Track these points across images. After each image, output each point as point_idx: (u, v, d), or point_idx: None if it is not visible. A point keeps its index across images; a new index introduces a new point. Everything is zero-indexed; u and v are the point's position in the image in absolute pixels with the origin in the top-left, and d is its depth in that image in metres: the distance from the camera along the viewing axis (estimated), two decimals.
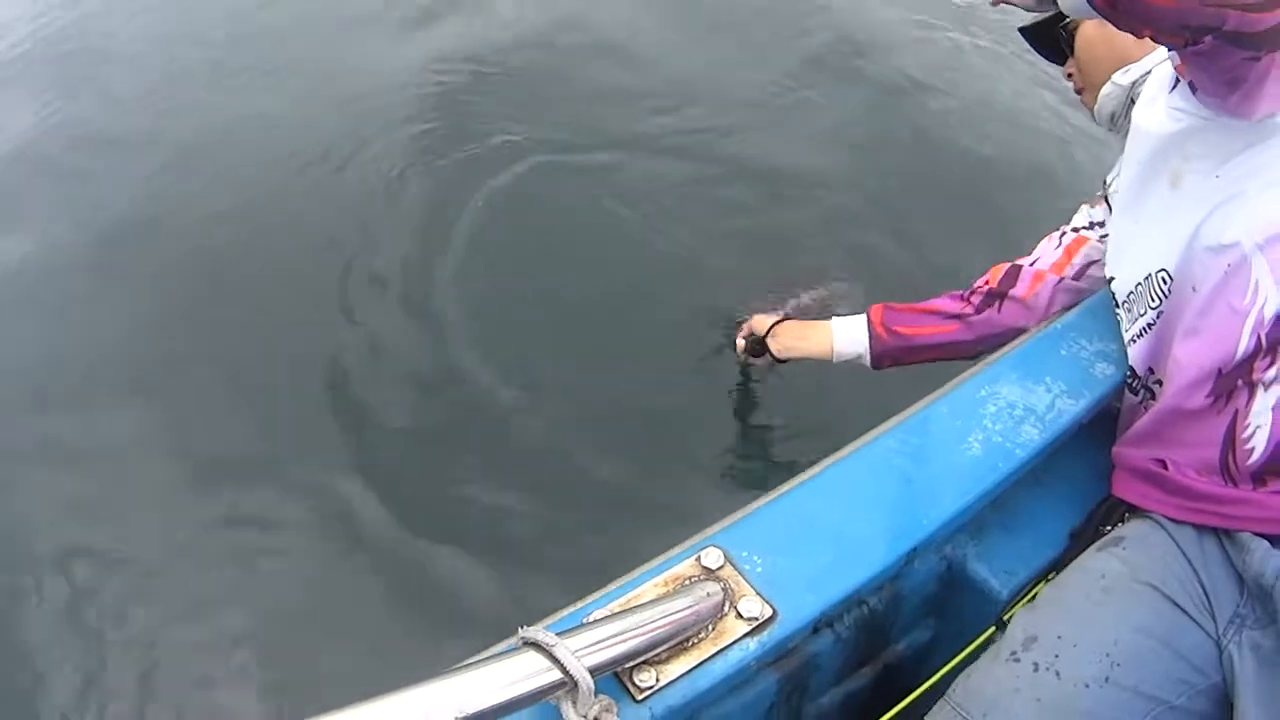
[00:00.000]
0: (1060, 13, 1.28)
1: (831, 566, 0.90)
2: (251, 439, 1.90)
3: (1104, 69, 1.29)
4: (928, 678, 1.03)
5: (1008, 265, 1.42)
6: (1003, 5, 1.00)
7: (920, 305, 1.49)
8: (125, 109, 2.96)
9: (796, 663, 0.96)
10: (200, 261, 2.33)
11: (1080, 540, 1.06)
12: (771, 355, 1.59)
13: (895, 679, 1.09)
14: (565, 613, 0.87)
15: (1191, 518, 0.98)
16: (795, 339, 1.57)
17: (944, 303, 1.47)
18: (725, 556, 0.89)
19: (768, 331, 1.59)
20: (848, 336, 1.50)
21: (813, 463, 0.97)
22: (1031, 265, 1.40)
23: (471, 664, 0.75)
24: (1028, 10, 1.18)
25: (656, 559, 0.90)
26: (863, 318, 1.51)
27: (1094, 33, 1.31)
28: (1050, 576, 1.06)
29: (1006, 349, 1.10)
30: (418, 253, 2.31)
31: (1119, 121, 1.28)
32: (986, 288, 1.41)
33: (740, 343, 1.70)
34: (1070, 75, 1.41)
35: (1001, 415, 1.02)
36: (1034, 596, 1.05)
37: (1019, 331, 1.34)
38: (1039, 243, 1.43)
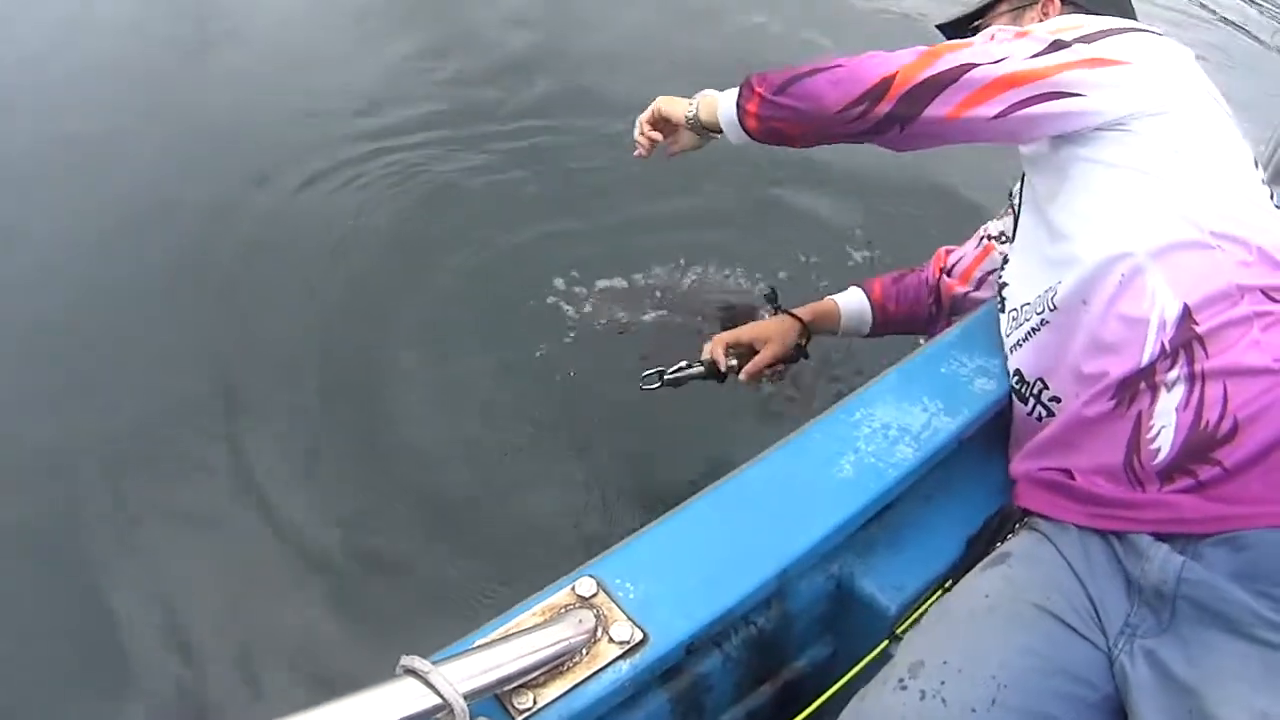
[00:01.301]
0: (973, 12, 1.35)
1: (703, 589, 0.95)
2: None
3: None
4: (825, 690, 1.07)
5: (937, 272, 1.55)
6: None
7: (904, 283, 1.59)
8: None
9: (685, 683, 1.02)
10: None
11: (976, 548, 1.09)
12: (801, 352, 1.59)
13: (798, 695, 1.13)
14: (451, 645, 0.94)
15: (1098, 524, 0.99)
16: (819, 331, 1.61)
17: (916, 289, 1.58)
18: (599, 585, 0.95)
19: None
20: (855, 316, 1.60)
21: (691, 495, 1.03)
22: (952, 275, 1.52)
23: (351, 693, 0.82)
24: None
25: (535, 594, 0.97)
26: (861, 295, 1.60)
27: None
28: (946, 586, 1.09)
29: (883, 373, 1.14)
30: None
31: None
32: (931, 290, 1.53)
33: (727, 359, 1.61)
34: None
35: (875, 436, 1.06)
36: (925, 611, 1.08)
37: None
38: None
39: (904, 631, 1.07)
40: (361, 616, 1.60)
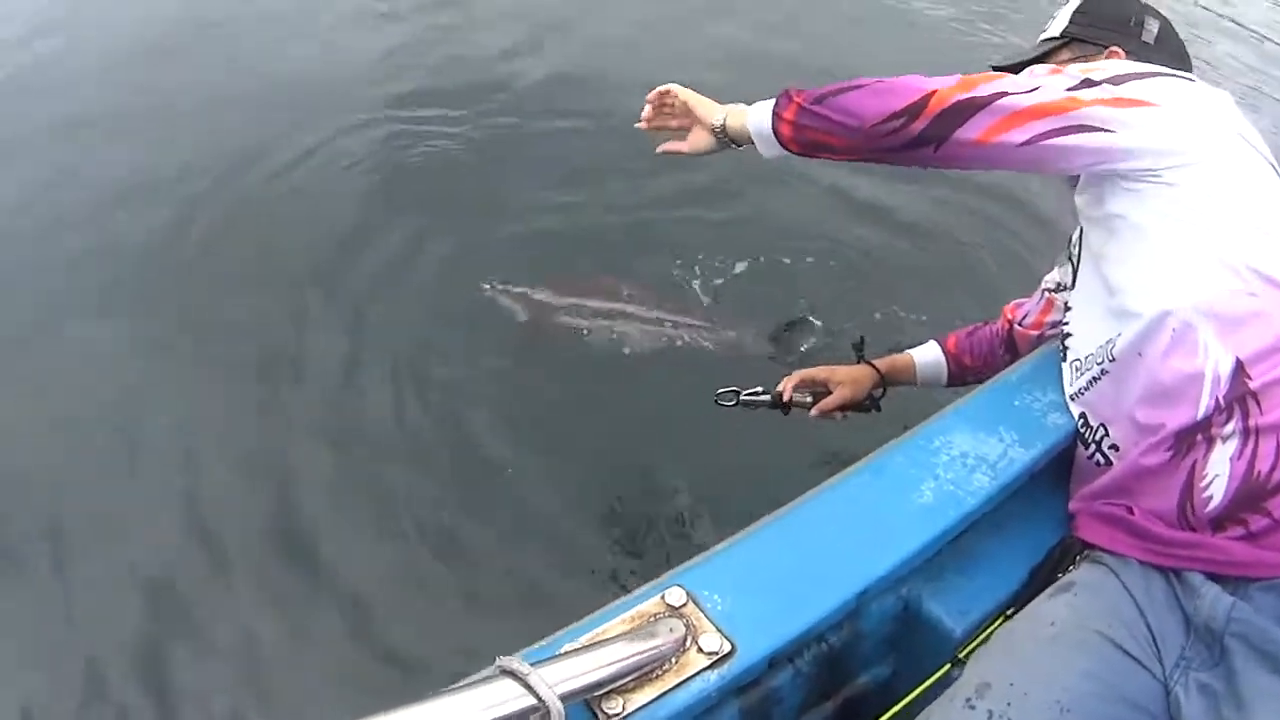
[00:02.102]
0: (1032, 59, 1.37)
1: (788, 605, 0.97)
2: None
3: None
4: (887, 709, 1.09)
5: (1008, 324, 1.58)
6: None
7: (977, 336, 1.63)
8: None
9: (758, 695, 1.03)
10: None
11: (1039, 577, 1.12)
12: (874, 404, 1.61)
13: (857, 712, 1.15)
14: (539, 645, 0.95)
15: (1155, 559, 1.03)
16: (894, 383, 1.64)
17: (990, 342, 1.61)
18: (688, 595, 0.97)
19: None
20: (930, 370, 1.64)
21: (776, 508, 1.05)
22: (1022, 324, 1.54)
23: (450, 690, 0.83)
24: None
25: (623, 597, 0.98)
26: (937, 350, 1.64)
27: None
28: (1009, 613, 1.12)
29: (960, 401, 1.17)
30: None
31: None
32: (1004, 342, 1.56)
33: (800, 395, 1.63)
34: None
35: (954, 464, 1.09)
36: (989, 636, 1.11)
37: None
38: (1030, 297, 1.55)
39: (967, 655, 1.10)
40: (448, 617, 1.64)
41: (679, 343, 2.29)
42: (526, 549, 1.77)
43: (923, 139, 1.14)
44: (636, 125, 1.47)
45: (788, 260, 2.60)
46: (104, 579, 1.81)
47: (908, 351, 1.67)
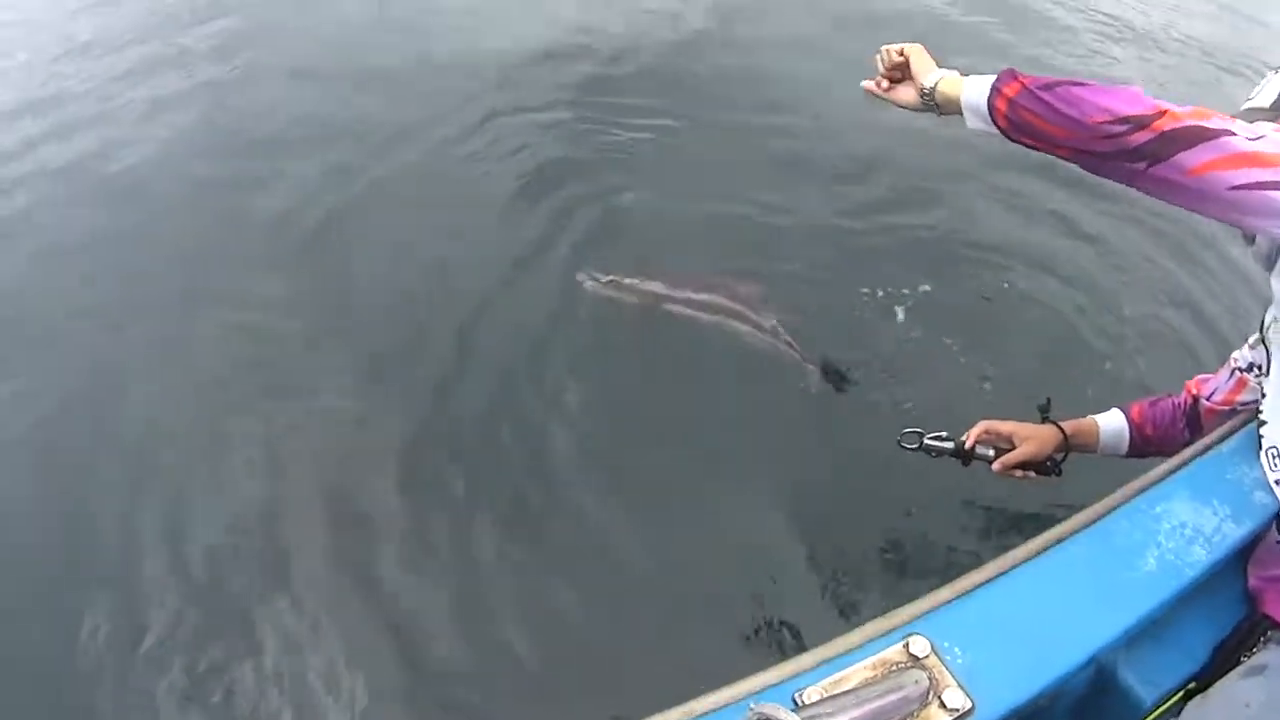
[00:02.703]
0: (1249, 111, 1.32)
1: (1026, 665, 0.93)
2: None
3: None
4: None
5: (1191, 398, 1.57)
6: None
7: (1159, 407, 1.61)
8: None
9: None
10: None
11: (1224, 655, 1.10)
12: (1055, 467, 1.58)
13: None
14: (772, 684, 0.88)
15: None
16: (1077, 446, 1.61)
17: (1171, 414, 1.60)
18: (930, 646, 0.91)
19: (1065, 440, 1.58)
20: (1113, 437, 1.62)
21: (1003, 551, 1.00)
22: (1210, 399, 1.52)
23: None
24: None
25: (861, 633, 0.92)
26: (1121, 418, 1.61)
27: None
28: (1190, 687, 1.10)
29: (1177, 468, 1.14)
30: None
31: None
32: (1185, 415, 1.54)
33: (982, 447, 1.59)
34: None
35: (1175, 534, 1.06)
36: (1175, 708, 1.08)
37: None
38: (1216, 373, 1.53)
39: None
40: (665, 648, 1.61)
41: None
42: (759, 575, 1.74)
43: (1141, 153, 1.10)
44: (863, 84, 1.41)
45: (986, 284, 2.53)
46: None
47: (1092, 417, 1.64)
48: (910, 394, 2.14)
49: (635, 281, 2.39)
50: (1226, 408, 1.46)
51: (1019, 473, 1.54)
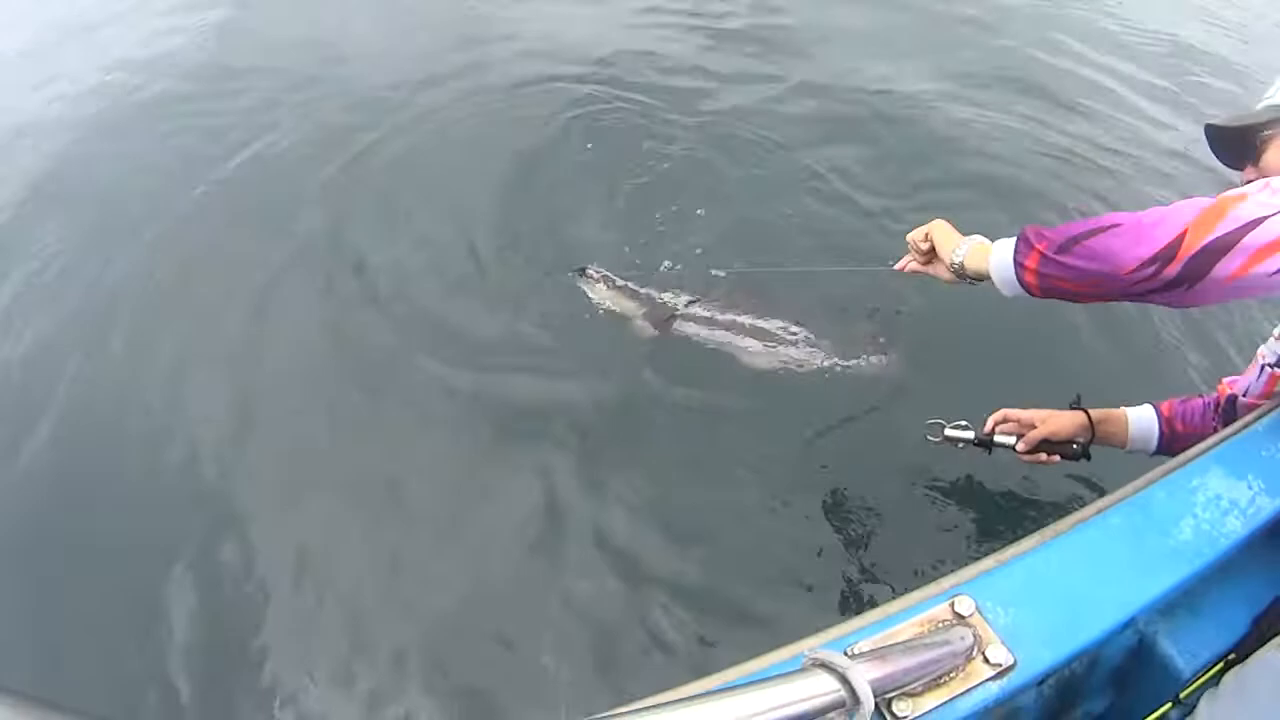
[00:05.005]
0: (1262, 124, 1.35)
1: (1065, 627, 0.97)
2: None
3: None
4: None
5: (1227, 394, 1.56)
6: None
7: (1190, 404, 1.60)
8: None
9: (1003, 713, 1.03)
10: None
11: (1264, 627, 1.13)
12: (1081, 451, 1.59)
13: None
14: (829, 639, 0.94)
15: None
16: (1109, 430, 1.62)
17: (1202, 412, 1.59)
18: (975, 605, 0.96)
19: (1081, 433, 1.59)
20: (1143, 429, 1.61)
21: (1046, 523, 1.05)
22: (1245, 397, 1.52)
23: (760, 680, 0.81)
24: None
25: (908, 599, 0.98)
26: (1151, 411, 1.60)
27: None
28: (1229, 658, 1.13)
29: (1214, 445, 1.18)
30: None
31: None
32: (1220, 410, 1.53)
33: (1042, 455, 1.62)
34: (1248, 183, 1.41)
35: (1210, 505, 1.10)
36: (1213, 679, 1.12)
37: None
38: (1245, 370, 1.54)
39: (1189, 697, 1.11)
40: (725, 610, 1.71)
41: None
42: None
43: (1178, 281, 1.13)
44: (893, 267, 1.52)
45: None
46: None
47: (1122, 408, 1.65)
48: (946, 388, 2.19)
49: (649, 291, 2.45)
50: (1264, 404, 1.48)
51: (1044, 456, 1.57)
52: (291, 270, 2.60)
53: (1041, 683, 0.99)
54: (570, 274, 2.47)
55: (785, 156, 3.10)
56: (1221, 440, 1.18)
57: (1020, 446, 1.56)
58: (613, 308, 2.41)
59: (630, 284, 2.44)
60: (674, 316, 2.33)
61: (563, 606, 1.74)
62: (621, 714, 0.72)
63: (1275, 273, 1.09)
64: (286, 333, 2.42)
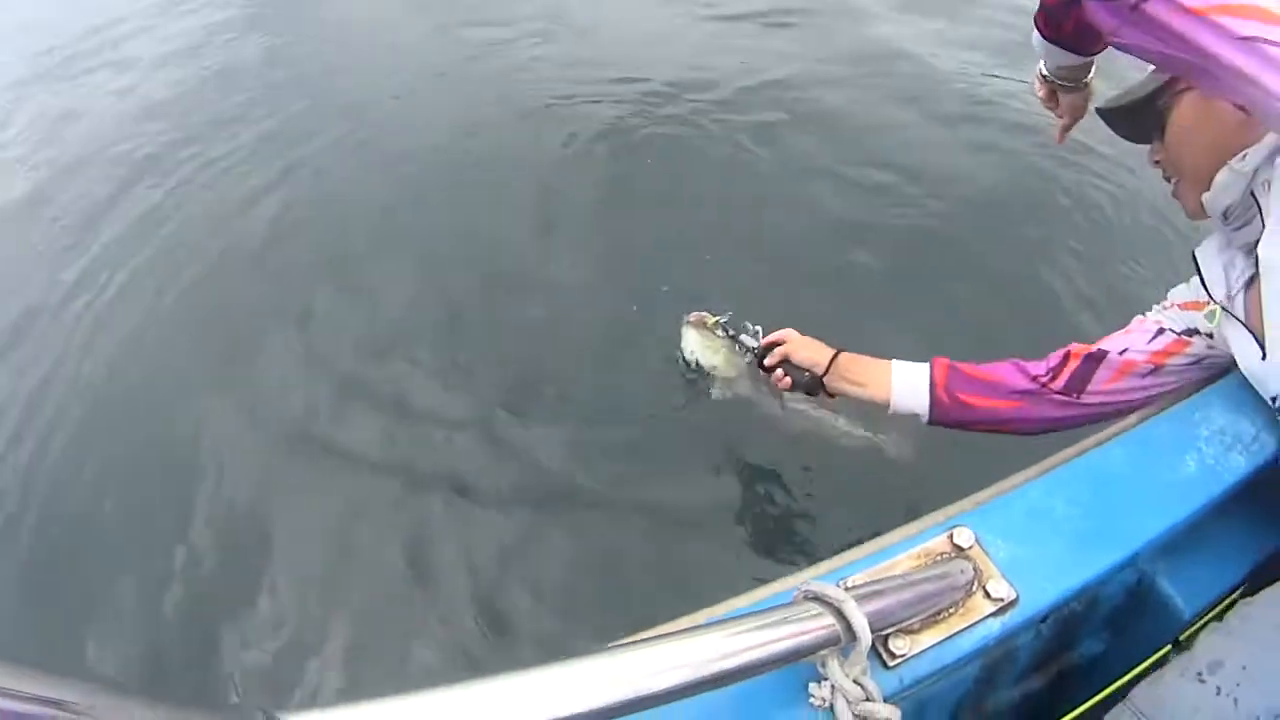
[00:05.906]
0: (1151, 94, 1.24)
1: (1067, 561, 0.93)
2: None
3: (1199, 155, 1.14)
4: (1098, 688, 1.05)
5: (1091, 349, 1.30)
6: None
7: (986, 373, 1.36)
8: None
9: (1000, 653, 0.98)
10: None
11: (1268, 567, 1.09)
12: (823, 390, 1.49)
13: (1065, 687, 1.11)
14: (821, 572, 0.88)
15: None
16: (853, 380, 1.45)
17: (1011, 376, 1.34)
18: (974, 538, 0.91)
19: (828, 367, 1.47)
20: (909, 390, 1.40)
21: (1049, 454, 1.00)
22: (1121, 354, 1.27)
23: (751, 613, 0.75)
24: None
25: (904, 530, 0.92)
26: (925, 371, 1.40)
27: (1190, 115, 1.15)
28: (1232, 598, 1.10)
29: (1214, 379, 1.14)
30: None
31: (1235, 214, 1.12)
32: (1070, 371, 1.29)
33: (779, 371, 1.53)
34: (1158, 161, 1.26)
35: (1214, 439, 1.05)
36: (1220, 617, 1.08)
37: (1085, 421, 1.28)
38: (1124, 328, 1.30)
39: (1189, 639, 1.07)
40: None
41: None
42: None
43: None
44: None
45: None
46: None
47: (893, 361, 1.45)
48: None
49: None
50: (1149, 364, 1.25)
51: (780, 373, 1.52)
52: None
53: (1043, 620, 0.95)
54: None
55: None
56: (1221, 374, 1.14)
57: (768, 361, 1.55)
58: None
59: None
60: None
61: (555, 542, 1.70)
62: (611, 648, 0.66)
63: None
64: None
